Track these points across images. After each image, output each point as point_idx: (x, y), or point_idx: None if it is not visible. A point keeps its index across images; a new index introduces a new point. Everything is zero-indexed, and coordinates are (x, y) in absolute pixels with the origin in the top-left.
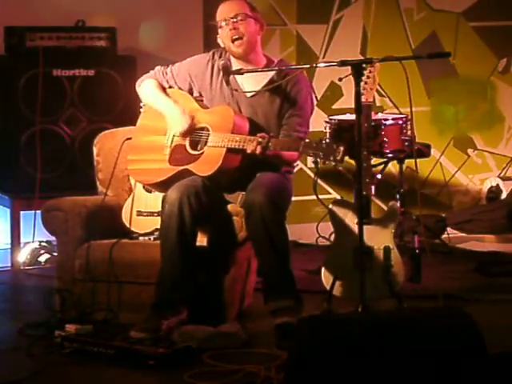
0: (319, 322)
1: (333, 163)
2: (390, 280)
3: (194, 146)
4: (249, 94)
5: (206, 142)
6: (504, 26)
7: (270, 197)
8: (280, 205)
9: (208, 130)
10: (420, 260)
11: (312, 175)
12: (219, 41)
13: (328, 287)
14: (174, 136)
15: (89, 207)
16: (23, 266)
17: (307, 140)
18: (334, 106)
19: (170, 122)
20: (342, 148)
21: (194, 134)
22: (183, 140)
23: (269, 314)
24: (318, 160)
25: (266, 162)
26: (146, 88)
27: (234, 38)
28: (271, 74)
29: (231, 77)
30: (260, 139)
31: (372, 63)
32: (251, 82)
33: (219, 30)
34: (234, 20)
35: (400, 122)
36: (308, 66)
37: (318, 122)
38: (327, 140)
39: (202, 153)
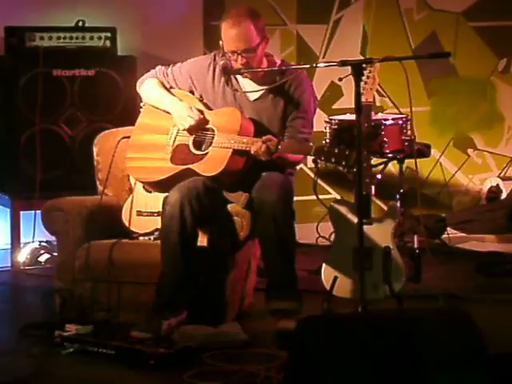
0: (319, 321)
1: (345, 168)
2: (390, 280)
3: (197, 146)
4: (251, 98)
5: (211, 143)
6: (504, 26)
7: (282, 196)
8: (291, 205)
9: (213, 131)
10: (420, 260)
11: (312, 175)
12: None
13: (328, 287)
14: (177, 135)
15: (89, 207)
16: (23, 266)
17: (312, 142)
18: (334, 106)
19: (177, 118)
20: (354, 154)
21: (199, 134)
22: (186, 139)
23: (269, 313)
24: (325, 164)
25: (271, 163)
26: (149, 87)
27: (242, 68)
28: (273, 76)
29: (233, 79)
30: (268, 142)
31: (372, 63)
32: (253, 86)
33: (226, 55)
34: (242, 55)
35: (400, 121)
36: (308, 65)
37: (318, 122)
38: (333, 143)
39: (207, 153)
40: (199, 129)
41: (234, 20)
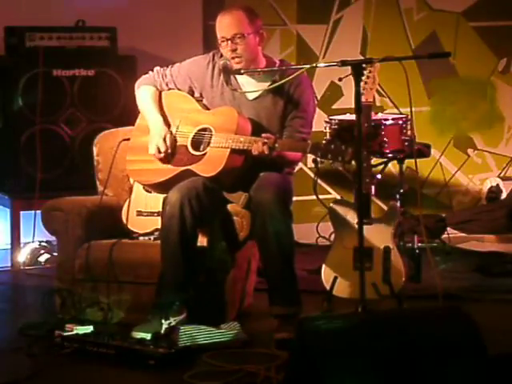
0: (319, 321)
1: (340, 166)
2: (389, 280)
3: (195, 146)
4: (250, 97)
5: (209, 143)
6: (504, 26)
7: (278, 196)
8: (288, 205)
9: (210, 131)
10: (420, 260)
11: (312, 175)
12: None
13: (328, 287)
14: (176, 135)
15: (89, 207)
16: (23, 266)
17: (310, 141)
18: (333, 106)
19: (150, 139)
20: (350, 149)
21: (197, 135)
22: (185, 140)
23: (272, 316)
24: (321, 160)
25: (269, 162)
26: (142, 96)
27: (233, 56)
28: (273, 76)
29: (232, 79)
30: (265, 140)
31: (372, 63)
32: (252, 85)
33: (219, 45)
34: (233, 41)
35: (400, 122)
36: (308, 66)
37: (318, 122)
38: (329, 140)
39: (205, 153)
40: (166, 155)
41: (227, 10)
